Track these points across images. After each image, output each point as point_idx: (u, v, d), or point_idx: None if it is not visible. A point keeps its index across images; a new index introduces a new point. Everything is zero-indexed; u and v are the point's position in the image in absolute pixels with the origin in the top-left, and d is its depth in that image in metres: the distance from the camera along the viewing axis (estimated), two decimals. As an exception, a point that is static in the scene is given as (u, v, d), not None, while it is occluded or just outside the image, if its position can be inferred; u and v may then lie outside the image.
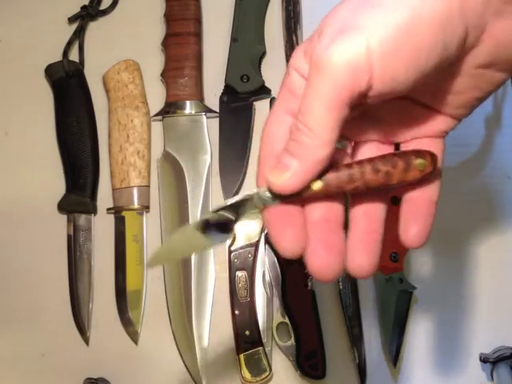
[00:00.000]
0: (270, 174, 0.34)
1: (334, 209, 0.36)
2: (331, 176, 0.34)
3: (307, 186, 0.34)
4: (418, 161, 0.34)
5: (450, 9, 0.30)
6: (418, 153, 0.34)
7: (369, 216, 0.36)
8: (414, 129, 0.37)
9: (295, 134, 0.33)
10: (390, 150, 0.38)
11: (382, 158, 0.34)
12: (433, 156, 0.35)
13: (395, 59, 0.30)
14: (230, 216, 0.35)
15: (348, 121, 0.33)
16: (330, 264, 0.34)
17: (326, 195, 0.35)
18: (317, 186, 0.34)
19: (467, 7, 0.30)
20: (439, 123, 0.37)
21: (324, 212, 0.35)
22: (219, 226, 0.35)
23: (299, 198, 0.34)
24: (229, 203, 0.35)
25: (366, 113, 0.36)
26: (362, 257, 0.35)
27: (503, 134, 0.67)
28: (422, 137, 0.37)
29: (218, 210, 0.35)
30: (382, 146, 0.38)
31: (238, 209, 0.35)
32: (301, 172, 0.33)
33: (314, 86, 0.31)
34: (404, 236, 0.36)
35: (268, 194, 0.35)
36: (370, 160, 0.34)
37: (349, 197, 0.37)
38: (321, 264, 0.34)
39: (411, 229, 0.36)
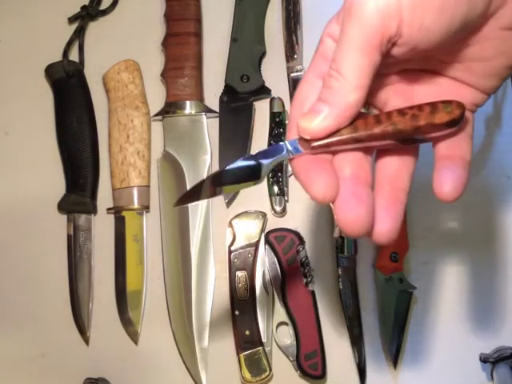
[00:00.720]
0: (302, 120, 0.35)
1: (364, 167, 0.36)
2: (359, 120, 0.35)
3: (338, 132, 0.34)
4: (444, 104, 0.35)
5: None
6: (444, 101, 0.35)
7: (393, 184, 0.37)
8: None
9: (327, 81, 0.34)
10: None
11: (408, 106, 0.36)
12: (459, 102, 0.35)
13: (423, 8, 0.32)
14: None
15: (377, 91, 0.34)
16: (360, 216, 0.34)
17: (355, 142, 0.35)
18: (347, 131, 0.35)
19: None
20: (467, 96, 0.37)
21: (354, 169, 0.35)
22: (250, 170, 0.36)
23: (330, 145, 0.35)
24: (261, 150, 0.36)
25: (395, 86, 0.38)
26: (383, 223, 0.35)
27: (503, 134, 0.67)
28: None
29: (250, 157, 0.36)
30: None
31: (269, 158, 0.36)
32: (333, 116, 0.34)
33: (345, 31, 0.33)
34: (439, 190, 0.36)
35: (298, 143, 0.35)
36: (396, 109, 0.36)
37: (374, 160, 0.37)
38: (351, 215, 0.34)
39: (447, 182, 0.36)
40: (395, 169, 0.37)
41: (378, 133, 0.35)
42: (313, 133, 0.34)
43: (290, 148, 0.36)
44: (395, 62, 0.35)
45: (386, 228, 0.35)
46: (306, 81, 0.37)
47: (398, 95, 0.38)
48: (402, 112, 0.35)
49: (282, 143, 0.36)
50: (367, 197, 0.35)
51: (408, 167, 0.38)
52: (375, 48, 0.32)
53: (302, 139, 0.35)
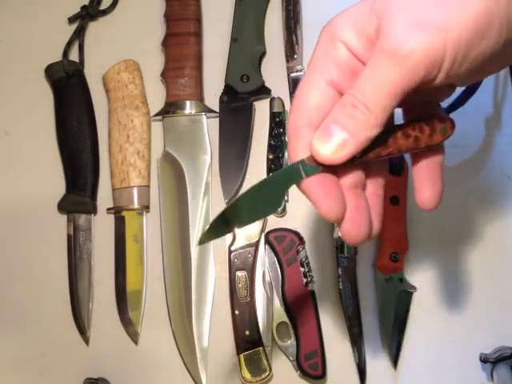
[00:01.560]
0: (318, 143, 0.35)
1: (358, 174, 0.38)
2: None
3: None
4: (441, 125, 0.37)
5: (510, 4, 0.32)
6: (440, 119, 0.38)
7: (374, 182, 0.39)
8: (425, 97, 0.39)
9: (349, 109, 0.34)
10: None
11: (410, 123, 0.37)
12: (451, 121, 0.38)
13: (463, 57, 0.33)
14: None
15: None
16: (362, 227, 0.37)
17: (362, 163, 0.37)
18: (358, 155, 0.36)
19: None
20: (447, 94, 0.40)
21: (352, 179, 0.37)
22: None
23: (341, 167, 0.36)
24: (275, 173, 0.37)
25: None
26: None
27: (503, 134, 0.67)
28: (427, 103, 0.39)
29: (264, 181, 0.37)
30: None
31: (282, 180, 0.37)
32: (351, 145, 0.35)
33: (382, 70, 0.33)
34: (420, 200, 0.39)
35: (311, 164, 0.36)
36: (400, 126, 0.37)
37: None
38: (356, 227, 0.36)
39: (424, 192, 0.39)
40: (374, 169, 0.39)
41: (384, 155, 0.36)
42: (329, 158, 0.35)
43: (303, 169, 0.36)
44: None
45: (374, 228, 0.38)
46: (313, 85, 0.37)
47: None
48: (406, 134, 0.37)
49: (295, 164, 0.36)
50: (367, 206, 0.37)
51: (382, 182, 0.40)
52: (408, 91, 0.33)
53: (312, 157, 0.36)
